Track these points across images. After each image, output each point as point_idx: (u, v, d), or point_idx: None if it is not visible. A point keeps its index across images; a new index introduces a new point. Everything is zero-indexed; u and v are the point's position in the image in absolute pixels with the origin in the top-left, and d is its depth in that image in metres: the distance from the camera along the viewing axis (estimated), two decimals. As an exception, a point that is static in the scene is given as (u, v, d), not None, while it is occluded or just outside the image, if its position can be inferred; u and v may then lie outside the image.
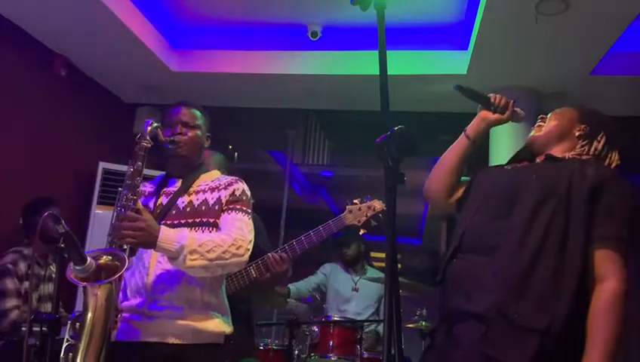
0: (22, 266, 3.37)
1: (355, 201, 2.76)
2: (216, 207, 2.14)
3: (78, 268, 1.74)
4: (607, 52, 4.10)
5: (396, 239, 1.34)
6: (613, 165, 1.88)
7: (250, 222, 2.17)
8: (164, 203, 2.18)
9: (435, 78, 4.65)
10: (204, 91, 5.25)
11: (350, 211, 2.73)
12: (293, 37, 4.73)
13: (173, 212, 2.14)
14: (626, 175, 1.79)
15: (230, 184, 2.20)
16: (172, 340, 2.00)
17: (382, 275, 4.43)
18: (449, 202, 2.00)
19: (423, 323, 3.95)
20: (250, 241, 2.10)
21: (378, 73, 1.46)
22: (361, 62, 4.58)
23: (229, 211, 2.14)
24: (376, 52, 1.47)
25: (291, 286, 4.43)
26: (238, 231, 2.08)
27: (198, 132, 2.24)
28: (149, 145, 2.06)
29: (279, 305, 4.19)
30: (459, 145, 1.98)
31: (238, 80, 4.99)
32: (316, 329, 3.70)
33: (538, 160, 1.93)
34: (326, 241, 2.76)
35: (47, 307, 3.42)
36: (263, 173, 7.58)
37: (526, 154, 2.00)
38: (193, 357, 2.01)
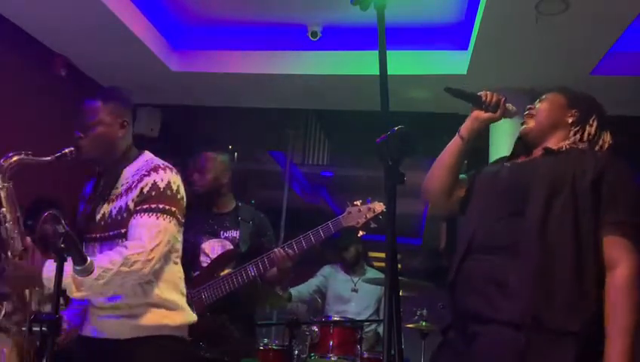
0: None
1: (355, 203, 2.75)
2: (125, 215, 2.04)
3: (78, 268, 1.74)
4: (607, 52, 4.10)
5: (396, 239, 1.34)
6: (607, 146, 1.88)
7: (160, 221, 1.99)
8: (89, 211, 2.13)
9: (435, 78, 4.64)
10: (204, 91, 5.25)
11: (350, 212, 2.73)
12: (293, 37, 4.72)
13: (102, 223, 2.09)
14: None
15: (141, 179, 2.04)
16: (112, 336, 2.01)
17: (381, 276, 4.43)
18: (450, 201, 2.00)
19: (423, 323, 3.95)
20: (153, 249, 1.94)
21: (378, 73, 1.46)
22: (361, 62, 4.57)
23: (135, 215, 2.01)
24: (376, 52, 1.47)
25: (292, 290, 4.43)
26: (136, 242, 1.95)
27: (100, 127, 2.09)
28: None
29: (279, 306, 4.19)
30: (453, 146, 1.97)
31: (238, 80, 4.99)
32: (316, 329, 3.70)
33: (536, 153, 1.92)
34: (325, 243, 2.76)
35: (47, 308, 3.41)
36: (263, 173, 7.58)
37: (521, 148, 1.98)
38: (134, 349, 1.99)
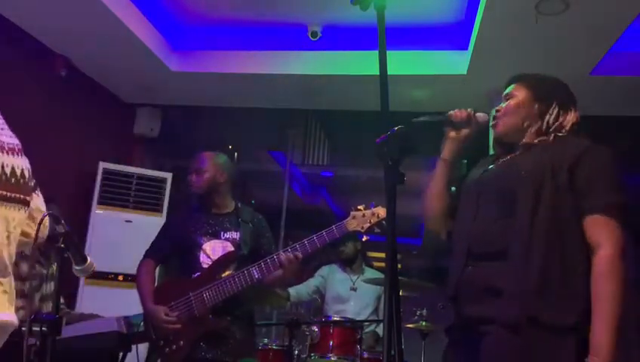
0: (24, 266, 3.36)
1: (359, 207, 2.74)
2: None
3: (78, 268, 1.74)
4: (607, 52, 4.10)
5: (396, 239, 1.34)
6: (570, 126, 1.84)
7: None
8: None
9: (435, 78, 4.65)
10: (204, 91, 5.25)
11: (354, 217, 2.72)
12: (293, 37, 4.73)
13: None
14: (626, 175, 1.78)
15: None
16: None
17: (380, 276, 4.43)
18: (449, 221, 2.01)
19: (423, 323, 3.94)
20: None
21: (378, 73, 1.46)
22: (361, 62, 4.58)
23: None
24: (377, 52, 1.47)
25: (291, 289, 4.43)
26: None
27: None
28: None
29: (278, 305, 4.19)
30: (439, 171, 2.00)
31: (238, 80, 4.99)
32: (316, 329, 3.70)
33: (516, 151, 1.90)
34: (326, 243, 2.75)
35: (49, 306, 3.42)
36: (263, 173, 7.58)
37: (502, 148, 1.97)
38: None
